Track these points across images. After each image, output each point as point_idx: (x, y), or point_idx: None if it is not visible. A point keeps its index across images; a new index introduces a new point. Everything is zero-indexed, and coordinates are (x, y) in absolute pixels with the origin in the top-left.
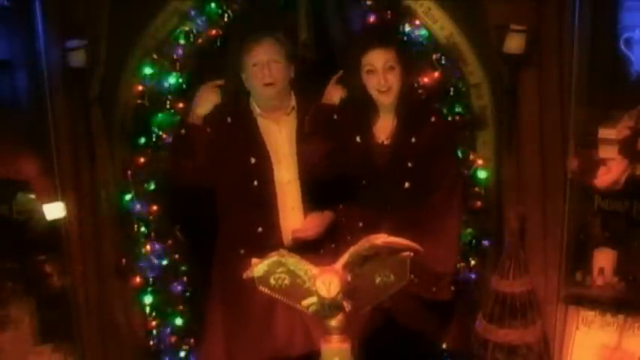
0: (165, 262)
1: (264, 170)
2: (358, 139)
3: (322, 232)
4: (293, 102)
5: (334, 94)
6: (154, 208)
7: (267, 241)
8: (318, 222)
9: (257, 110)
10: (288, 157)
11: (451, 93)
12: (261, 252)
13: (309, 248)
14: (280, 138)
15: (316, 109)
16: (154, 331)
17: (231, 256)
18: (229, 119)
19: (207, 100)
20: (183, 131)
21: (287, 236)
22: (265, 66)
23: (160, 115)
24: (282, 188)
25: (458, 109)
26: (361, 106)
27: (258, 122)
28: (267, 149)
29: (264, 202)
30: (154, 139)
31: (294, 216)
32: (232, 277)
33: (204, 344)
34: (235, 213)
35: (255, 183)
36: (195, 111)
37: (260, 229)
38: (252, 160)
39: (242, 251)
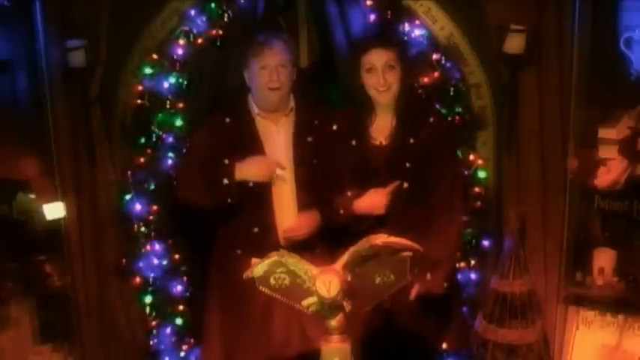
0: (165, 262)
1: None
2: (355, 141)
3: (314, 232)
4: (292, 103)
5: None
6: (154, 208)
7: (263, 241)
8: (308, 221)
9: (255, 110)
10: (285, 158)
11: (451, 93)
12: (258, 252)
13: (304, 247)
14: (278, 139)
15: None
16: (154, 331)
17: (228, 256)
18: (227, 119)
19: (256, 172)
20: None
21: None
22: (274, 71)
23: (160, 115)
24: (278, 188)
25: (458, 110)
26: (359, 106)
27: (256, 122)
28: (265, 150)
29: (260, 203)
30: (153, 139)
31: (289, 216)
32: (230, 277)
33: (204, 344)
34: (232, 213)
35: (251, 184)
36: (237, 171)
37: (256, 229)
38: (227, 163)
39: (239, 251)
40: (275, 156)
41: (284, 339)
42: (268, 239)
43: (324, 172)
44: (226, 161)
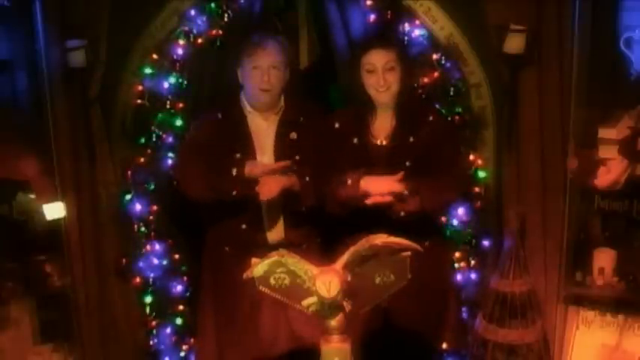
0: (165, 262)
1: None
2: (356, 139)
3: (284, 189)
4: (282, 102)
5: None
6: (154, 208)
7: (251, 238)
8: (275, 180)
9: (247, 108)
10: (272, 154)
11: (451, 93)
12: (246, 249)
13: (292, 244)
14: (267, 134)
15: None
16: (154, 331)
17: (217, 253)
18: (220, 115)
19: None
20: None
21: (270, 233)
22: (265, 72)
23: (160, 115)
24: None
25: (458, 110)
26: (359, 106)
27: (248, 120)
28: (255, 147)
29: (248, 200)
30: (154, 139)
31: (277, 212)
32: (219, 274)
33: (198, 341)
34: (220, 210)
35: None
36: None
37: (244, 226)
38: (238, 157)
39: (227, 249)
40: (263, 151)
41: (272, 336)
42: (256, 236)
43: (316, 163)
44: (238, 155)
